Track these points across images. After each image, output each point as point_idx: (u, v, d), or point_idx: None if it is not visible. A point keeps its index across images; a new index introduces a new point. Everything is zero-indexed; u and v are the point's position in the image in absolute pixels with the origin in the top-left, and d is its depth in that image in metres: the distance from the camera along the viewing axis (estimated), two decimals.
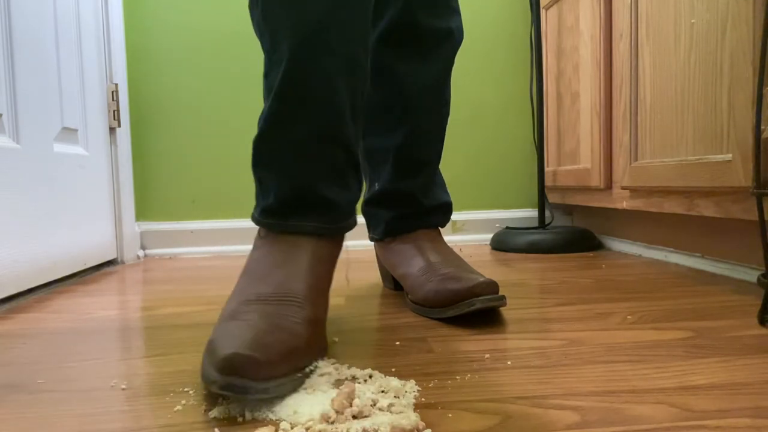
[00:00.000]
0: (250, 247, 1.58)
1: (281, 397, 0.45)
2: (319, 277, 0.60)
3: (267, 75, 0.64)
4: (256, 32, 0.68)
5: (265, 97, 0.64)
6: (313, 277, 0.59)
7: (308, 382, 0.50)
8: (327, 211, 0.64)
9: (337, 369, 0.53)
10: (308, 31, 0.60)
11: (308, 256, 0.61)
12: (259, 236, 0.64)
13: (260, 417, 0.43)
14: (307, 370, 0.51)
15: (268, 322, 0.50)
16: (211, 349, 0.47)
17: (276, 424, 0.42)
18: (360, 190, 0.70)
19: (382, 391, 0.47)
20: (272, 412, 0.44)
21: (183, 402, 0.48)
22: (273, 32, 0.63)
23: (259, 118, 0.64)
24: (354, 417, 0.41)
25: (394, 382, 0.48)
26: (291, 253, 0.60)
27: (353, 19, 0.63)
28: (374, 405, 0.43)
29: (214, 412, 0.44)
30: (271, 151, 0.63)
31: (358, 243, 1.58)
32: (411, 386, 0.48)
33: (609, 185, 1.25)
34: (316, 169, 0.63)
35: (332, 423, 0.41)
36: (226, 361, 0.44)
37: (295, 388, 0.47)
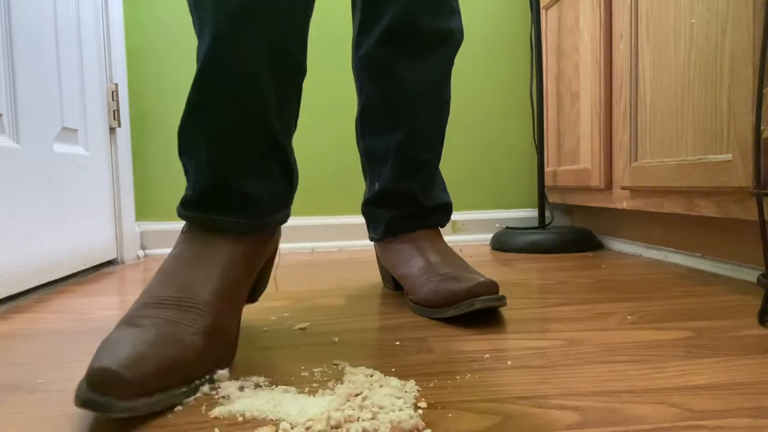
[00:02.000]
0: None
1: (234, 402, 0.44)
2: (232, 281, 0.57)
3: (197, 59, 0.61)
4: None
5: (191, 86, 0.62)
6: (223, 281, 0.56)
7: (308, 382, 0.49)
8: (247, 206, 0.61)
9: (339, 367, 0.53)
10: (231, 13, 0.58)
11: (222, 257, 0.58)
12: (182, 231, 0.62)
13: (260, 417, 0.43)
14: (198, 382, 0.49)
15: (157, 332, 0.48)
16: (95, 355, 0.45)
17: (276, 423, 0.42)
18: (291, 185, 0.67)
19: (380, 386, 0.47)
20: (273, 412, 0.44)
21: (183, 402, 0.48)
22: (199, 15, 0.60)
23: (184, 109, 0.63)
24: (355, 418, 0.41)
25: (394, 382, 0.48)
26: (204, 254, 0.57)
27: (279, 4, 0.61)
28: (375, 406, 0.43)
29: (215, 412, 0.44)
30: (191, 140, 0.61)
31: (358, 243, 1.58)
32: (411, 386, 0.48)
33: (609, 185, 1.25)
34: (235, 161, 0.61)
35: (333, 423, 0.41)
36: (93, 376, 0.42)
37: (174, 404, 0.46)
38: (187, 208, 0.61)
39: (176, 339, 0.48)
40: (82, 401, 0.41)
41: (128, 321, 0.50)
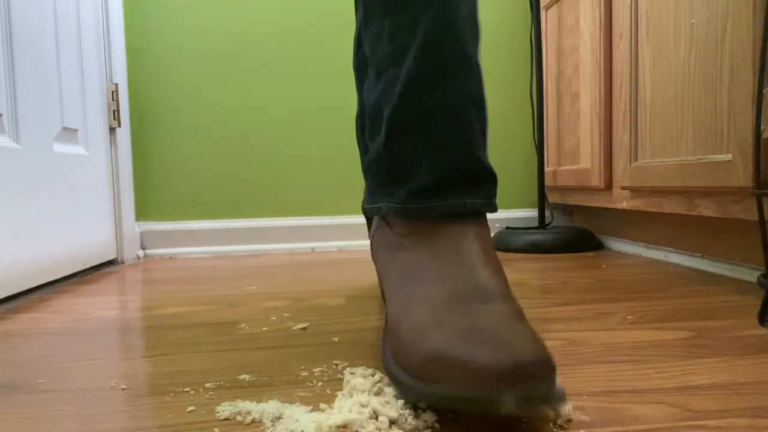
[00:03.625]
0: (250, 247, 1.59)
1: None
2: (498, 265, 0.51)
3: (391, 37, 0.55)
4: None
5: (389, 65, 0.55)
6: (495, 267, 0.50)
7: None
8: (490, 182, 0.55)
9: (339, 367, 0.53)
10: None
11: (479, 243, 0.51)
12: (398, 234, 0.54)
13: (267, 419, 0.43)
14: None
15: (492, 323, 0.41)
16: (442, 365, 0.38)
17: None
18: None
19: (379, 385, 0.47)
20: (277, 414, 0.43)
21: (183, 402, 0.48)
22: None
23: (384, 90, 0.56)
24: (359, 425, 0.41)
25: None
26: (458, 243, 0.50)
27: None
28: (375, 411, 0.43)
29: (225, 413, 0.44)
30: (420, 121, 0.54)
31: (358, 243, 1.58)
32: None
33: (609, 185, 1.25)
34: (473, 136, 0.54)
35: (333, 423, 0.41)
36: (509, 370, 0.35)
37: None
38: (419, 198, 0.53)
39: (513, 324, 0.42)
40: (521, 399, 0.35)
41: (439, 326, 0.43)
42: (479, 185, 0.54)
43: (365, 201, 0.63)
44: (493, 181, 0.56)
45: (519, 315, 0.44)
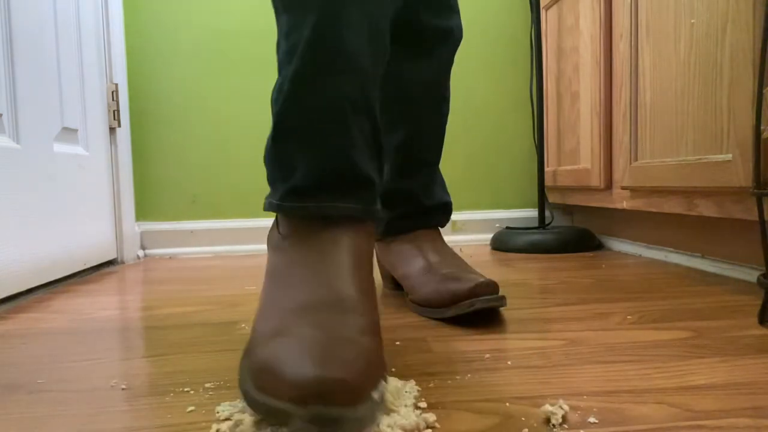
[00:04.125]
0: (250, 247, 1.59)
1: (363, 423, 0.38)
2: (366, 275, 0.51)
3: (287, 35, 0.56)
4: None
5: (284, 63, 0.56)
6: (361, 277, 0.50)
7: None
8: (366, 188, 0.56)
9: None
10: None
11: (350, 252, 0.51)
12: (279, 234, 0.55)
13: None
14: (380, 388, 0.40)
15: (329, 335, 0.41)
16: (266, 374, 0.39)
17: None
18: (382, 178, 0.62)
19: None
20: None
21: (183, 402, 0.48)
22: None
23: (276, 89, 0.56)
24: None
25: (394, 382, 0.48)
26: (328, 251, 0.50)
27: None
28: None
29: (225, 413, 0.44)
30: (298, 120, 0.54)
31: None
32: (411, 386, 0.48)
33: (609, 185, 1.25)
34: (350, 139, 0.54)
35: None
36: (309, 387, 0.35)
37: (374, 413, 0.39)
38: (293, 197, 0.54)
39: (353, 340, 0.41)
40: (310, 418, 0.35)
41: (280, 332, 0.43)
42: (354, 190, 0.54)
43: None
44: (370, 188, 0.56)
45: (368, 330, 0.44)
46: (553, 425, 0.41)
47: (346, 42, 0.54)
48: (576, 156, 1.39)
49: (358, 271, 0.50)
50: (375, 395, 0.38)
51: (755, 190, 0.67)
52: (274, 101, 0.57)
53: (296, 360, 0.38)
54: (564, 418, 0.42)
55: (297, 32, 0.55)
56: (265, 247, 1.59)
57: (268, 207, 0.58)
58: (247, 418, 0.41)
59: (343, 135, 0.54)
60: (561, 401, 0.43)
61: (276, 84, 0.58)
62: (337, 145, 0.54)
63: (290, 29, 0.56)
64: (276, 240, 0.56)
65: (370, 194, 0.56)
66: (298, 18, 0.55)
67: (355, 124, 0.55)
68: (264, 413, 0.38)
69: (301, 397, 0.35)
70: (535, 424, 0.41)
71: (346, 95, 0.54)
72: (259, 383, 0.39)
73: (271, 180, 0.58)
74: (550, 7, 1.52)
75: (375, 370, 0.40)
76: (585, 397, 0.46)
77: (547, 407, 0.42)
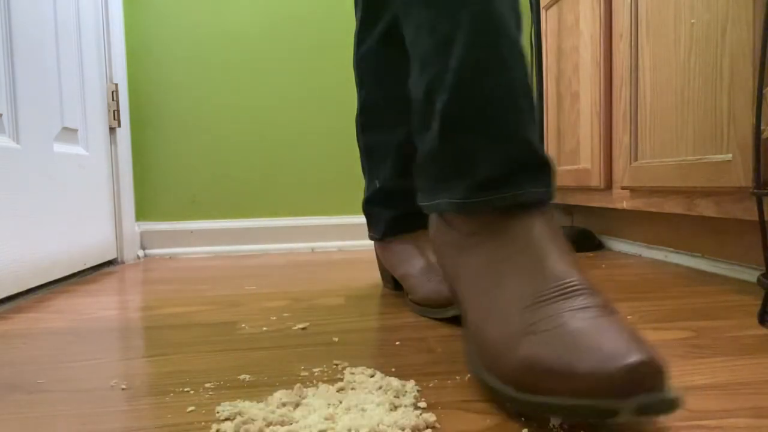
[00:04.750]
0: (250, 246, 1.58)
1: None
2: (573, 255, 0.48)
3: (433, 29, 0.54)
4: None
5: (437, 54, 0.53)
6: (571, 257, 0.48)
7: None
8: (548, 170, 0.53)
9: (339, 367, 0.53)
10: None
11: (548, 234, 0.49)
12: (462, 233, 0.53)
13: (275, 420, 0.43)
14: None
15: (588, 323, 0.40)
16: (545, 375, 0.38)
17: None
18: None
19: (380, 388, 0.47)
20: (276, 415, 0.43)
21: (183, 402, 0.48)
22: None
23: (431, 85, 0.54)
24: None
25: (395, 382, 0.48)
26: (528, 237, 0.48)
27: None
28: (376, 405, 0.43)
29: (225, 413, 0.44)
30: (475, 110, 0.52)
31: (358, 243, 1.58)
32: (411, 386, 0.48)
33: (609, 185, 1.25)
34: (526, 124, 0.52)
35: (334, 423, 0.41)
36: (625, 378, 0.34)
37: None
38: (484, 191, 0.51)
39: (613, 322, 0.40)
40: (638, 409, 0.34)
41: (529, 330, 0.42)
42: (538, 174, 0.52)
43: (420, 198, 0.61)
44: (551, 169, 0.54)
45: (609, 309, 0.42)
46: (553, 426, 0.41)
47: (506, 24, 0.52)
48: (576, 156, 1.39)
49: (565, 252, 0.48)
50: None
51: (755, 190, 0.67)
52: (425, 101, 0.55)
53: (575, 355, 0.37)
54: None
55: (449, 23, 0.52)
56: (264, 247, 1.59)
57: (446, 207, 0.55)
58: (256, 421, 0.41)
59: (521, 120, 0.52)
60: None
61: (419, 83, 0.56)
62: (518, 131, 0.52)
63: (437, 21, 0.53)
64: (455, 241, 0.53)
65: (550, 176, 0.54)
66: (449, 8, 0.53)
67: (525, 108, 0.53)
68: (570, 415, 0.37)
69: (619, 390, 0.34)
70: (535, 424, 0.41)
71: (515, 79, 0.52)
72: (535, 384, 0.38)
73: (440, 179, 0.56)
74: (550, 7, 1.52)
75: (649, 345, 0.38)
76: None
77: None
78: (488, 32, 0.52)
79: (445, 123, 0.54)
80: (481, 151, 0.52)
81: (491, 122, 0.52)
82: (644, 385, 0.35)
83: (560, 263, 0.46)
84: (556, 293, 0.44)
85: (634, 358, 0.35)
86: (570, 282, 0.44)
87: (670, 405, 0.35)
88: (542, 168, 0.53)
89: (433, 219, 0.60)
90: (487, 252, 0.50)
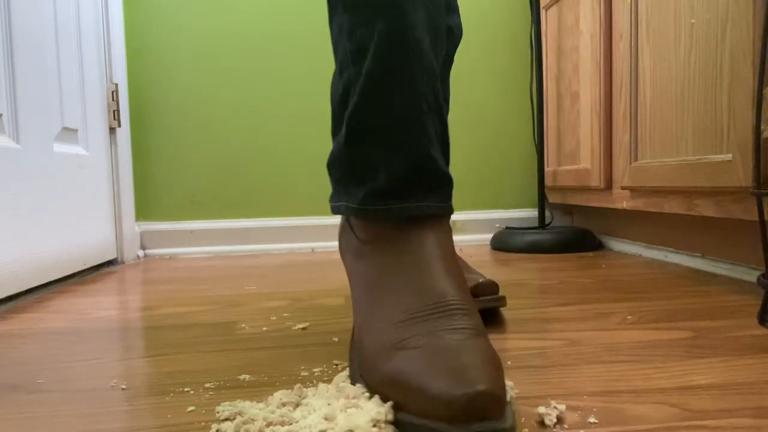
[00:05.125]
0: (250, 247, 1.59)
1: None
2: (459, 272, 0.50)
3: (352, 34, 0.55)
4: None
5: (351, 62, 0.55)
6: (456, 275, 0.49)
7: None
8: (446, 185, 0.55)
9: (339, 367, 0.53)
10: None
11: (440, 252, 0.50)
12: (360, 239, 0.54)
13: (275, 420, 0.43)
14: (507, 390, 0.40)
15: (450, 344, 0.41)
16: (401, 391, 0.39)
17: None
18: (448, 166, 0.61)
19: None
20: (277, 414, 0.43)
21: (183, 402, 0.48)
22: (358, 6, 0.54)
23: (340, 91, 0.56)
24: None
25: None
26: (421, 255, 0.49)
27: None
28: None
29: (225, 413, 0.44)
30: (377, 120, 0.53)
31: None
32: None
33: (609, 185, 1.25)
34: (428, 138, 0.53)
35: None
36: (461, 406, 0.35)
37: (513, 417, 0.39)
38: (377, 199, 0.53)
39: (478, 346, 0.41)
40: None
41: (399, 345, 0.43)
42: (436, 188, 0.54)
43: (331, 198, 0.63)
44: (449, 184, 0.56)
45: (479, 332, 0.44)
46: (547, 425, 0.41)
47: (418, 40, 0.53)
48: (576, 156, 1.39)
49: (452, 269, 0.49)
50: (508, 398, 0.39)
51: (755, 190, 0.67)
52: (340, 103, 0.56)
53: (432, 375, 0.38)
54: (559, 418, 0.42)
55: (365, 31, 0.53)
56: (264, 247, 1.59)
57: (345, 211, 0.56)
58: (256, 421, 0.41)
59: (423, 134, 0.53)
60: (554, 403, 0.43)
61: (338, 85, 0.57)
62: (418, 144, 0.53)
63: (355, 28, 0.55)
64: (354, 246, 0.55)
65: (448, 191, 0.55)
66: (366, 17, 0.54)
67: (430, 122, 0.54)
68: (408, 429, 0.38)
69: (455, 416, 0.35)
70: (534, 424, 0.41)
71: (421, 93, 0.53)
72: (396, 400, 0.40)
73: (344, 183, 0.57)
74: (550, 7, 1.52)
75: (501, 373, 0.40)
76: (585, 397, 0.46)
77: (541, 409, 0.42)
78: (398, 47, 0.53)
79: (351, 128, 0.55)
80: (381, 160, 0.53)
81: (392, 133, 0.53)
82: (479, 413, 0.35)
83: (442, 282, 0.47)
84: (433, 311, 0.44)
85: (474, 386, 0.36)
86: (448, 300, 0.45)
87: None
88: (440, 182, 0.54)
89: (342, 221, 0.61)
90: (377, 262, 0.51)
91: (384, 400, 0.41)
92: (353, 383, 0.46)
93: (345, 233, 0.58)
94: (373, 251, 0.52)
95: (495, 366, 0.39)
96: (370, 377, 0.43)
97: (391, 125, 0.53)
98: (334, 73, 0.61)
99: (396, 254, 0.50)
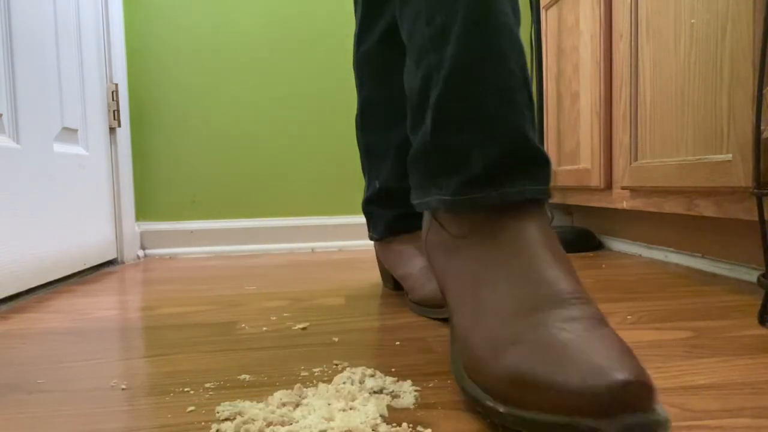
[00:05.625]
0: (250, 247, 1.58)
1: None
2: (565, 258, 0.47)
3: (430, 20, 0.52)
4: None
5: (432, 48, 0.52)
6: (564, 262, 0.46)
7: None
8: (543, 166, 0.51)
9: (339, 367, 0.53)
10: None
11: (543, 239, 0.47)
12: (452, 234, 0.51)
13: (275, 420, 0.43)
14: None
15: (576, 334, 0.38)
16: (529, 388, 0.36)
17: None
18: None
19: (382, 391, 0.47)
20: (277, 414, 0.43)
21: (183, 402, 0.48)
22: None
23: (422, 79, 0.53)
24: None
25: (395, 382, 0.48)
26: (522, 240, 0.46)
27: None
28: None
29: (225, 413, 0.44)
30: (470, 104, 0.50)
31: (358, 243, 1.58)
32: (410, 386, 0.48)
33: (609, 185, 1.25)
34: (523, 118, 0.50)
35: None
36: (608, 397, 0.33)
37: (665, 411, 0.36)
38: (471, 189, 0.49)
39: (603, 336, 0.38)
40: (623, 430, 0.32)
41: (516, 339, 0.40)
42: (534, 171, 0.50)
43: (413, 197, 0.60)
44: (548, 165, 0.52)
45: (600, 320, 0.41)
46: None
47: (506, 15, 0.51)
48: (576, 156, 1.39)
49: (559, 256, 0.46)
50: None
51: (755, 190, 0.67)
52: (420, 93, 0.54)
53: (563, 368, 0.35)
54: None
55: (445, 13, 0.51)
56: (264, 247, 1.59)
57: (437, 204, 0.53)
58: (257, 421, 0.41)
59: (517, 114, 0.50)
60: None
61: (415, 76, 0.54)
62: (514, 126, 0.50)
63: (434, 12, 0.52)
64: (448, 242, 0.52)
65: (546, 172, 0.52)
66: (445, 1, 0.51)
67: (522, 101, 0.51)
68: (542, 429, 0.35)
69: (603, 409, 0.33)
70: None
71: (513, 72, 0.51)
72: (520, 398, 0.37)
73: (431, 176, 0.54)
74: (550, 7, 1.52)
75: (639, 363, 0.36)
76: None
77: None
78: (484, 23, 0.50)
79: (438, 116, 0.52)
80: (473, 146, 0.50)
81: (485, 116, 0.50)
82: (630, 405, 0.33)
83: (552, 270, 0.44)
84: (546, 301, 0.42)
85: (621, 375, 0.33)
86: (561, 290, 0.42)
87: (657, 427, 0.33)
88: (539, 165, 0.51)
89: (426, 218, 0.59)
90: (476, 255, 0.48)
91: (503, 400, 0.38)
92: (460, 388, 0.43)
93: (431, 231, 0.55)
94: (471, 245, 0.49)
95: (631, 355, 0.36)
96: (484, 377, 0.40)
97: (482, 107, 0.50)
98: (408, 67, 0.58)
99: (497, 245, 0.47)
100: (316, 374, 0.53)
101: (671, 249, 1.19)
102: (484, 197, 0.49)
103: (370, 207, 0.91)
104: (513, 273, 0.45)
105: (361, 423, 0.40)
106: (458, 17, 0.50)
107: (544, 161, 0.51)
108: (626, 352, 0.37)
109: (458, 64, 0.50)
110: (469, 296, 0.47)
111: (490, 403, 0.39)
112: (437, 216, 0.55)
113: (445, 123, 0.52)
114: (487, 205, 0.49)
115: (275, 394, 0.46)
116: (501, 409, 0.38)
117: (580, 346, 0.37)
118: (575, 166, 1.39)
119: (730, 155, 0.83)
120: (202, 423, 0.43)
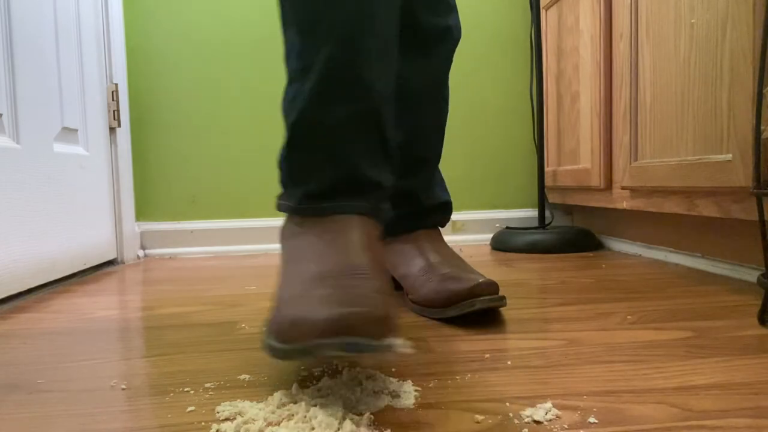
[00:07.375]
0: (250, 247, 1.59)
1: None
2: (375, 253, 0.56)
3: (301, 55, 0.61)
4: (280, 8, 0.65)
5: (297, 78, 0.61)
6: (371, 252, 0.55)
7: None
8: (374, 191, 0.62)
9: (339, 367, 0.53)
10: (355, 10, 0.59)
11: (360, 233, 0.57)
12: (295, 224, 0.61)
13: (275, 420, 0.43)
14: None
15: (347, 293, 0.46)
16: (292, 327, 0.45)
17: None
18: (392, 180, 0.67)
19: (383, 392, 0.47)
20: (276, 414, 0.43)
21: (183, 402, 0.48)
22: (310, 11, 0.60)
23: (288, 98, 0.62)
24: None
25: (395, 382, 0.48)
26: (341, 231, 0.57)
27: (391, 2, 0.63)
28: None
29: (225, 413, 0.44)
30: (312, 134, 0.61)
31: None
32: (410, 386, 0.48)
33: (609, 185, 1.25)
34: (359, 152, 0.61)
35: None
36: (336, 322, 0.41)
37: (394, 350, 0.43)
38: (310, 200, 0.60)
39: (368, 298, 0.46)
40: (336, 346, 0.41)
41: (302, 296, 0.48)
42: (361, 193, 0.61)
43: (279, 196, 0.70)
44: (377, 190, 0.62)
45: (380, 290, 0.48)
46: (545, 425, 0.41)
47: (362, 69, 0.60)
48: (576, 156, 1.39)
49: (368, 247, 0.55)
50: (394, 340, 0.43)
51: (755, 190, 0.67)
52: (286, 111, 0.62)
53: (320, 308, 0.43)
54: (549, 419, 0.42)
55: (312, 55, 0.59)
56: (264, 247, 1.59)
57: (284, 209, 0.63)
58: (256, 421, 0.41)
59: (353, 149, 0.61)
60: (549, 403, 0.43)
61: (287, 92, 0.62)
62: (347, 157, 0.60)
63: (305, 50, 0.60)
64: (291, 230, 0.61)
65: (377, 196, 0.62)
66: (314, 43, 0.59)
67: (364, 139, 0.61)
68: (294, 357, 0.44)
69: (329, 331, 0.41)
70: (534, 424, 0.41)
71: (358, 116, 0.60)
72: (285, 336, 0.45)
73: (285, 183, 0.64)
74: (550, 7, 1.52)
75: (392, 320, 0.44)
76: (585, 397, 0.46)
77: (528, 410, 0.43)
78: (341, 78, 0.59)
79: (290, 138, 0.62)
80: (313, 168, 0.61)
81: (326, 148, 0.61)
82: (348, 331, 0.41)
83: (354, 252, 0.53)
84: (340, 273, 0.50)
85: (352, 309, 0.42)
86: (355, 266, 0.51)
87: (370, 347, 0.41)
88: (368, 189, 0.61)
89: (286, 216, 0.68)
90: (303, 238, 0.59)
91: (283, 340, 0.45)
92: (262, 336, 0.50)
93: (285, 224, 0.64)
94: (304, 231, 0.59)
95: (386, 312, 0.44)
96: (276, 326, 0.48)
97: (324, 140, 0.60)
98: (286, 83, 0.66)
99: (319, 231, 0.57)
100: (316, 374, 0.53)
101: (671, 249, 1.19)
102: (320, 208, 0.60)
103: None
104: (323, 250, 0.55)
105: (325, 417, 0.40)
106: (319, 64, 0.59)
107: (370, 187, 0.62)
108: (379, 303, 0.44)
109: (309, 100, 0.60)
110: (285, 269, 0.57)
111: (273, 343, 0.47)
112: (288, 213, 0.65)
113: (295, 144, 0.62)
114: (319, 214, 0.60)
115: (275, 394, 0.46)
116: (269, 347, 0.47)
117: (339, 297, 0.45)
118: (575, 166, 1.39)
119: (730, 155, 0.83)
120: (202, 423, 0.43)
